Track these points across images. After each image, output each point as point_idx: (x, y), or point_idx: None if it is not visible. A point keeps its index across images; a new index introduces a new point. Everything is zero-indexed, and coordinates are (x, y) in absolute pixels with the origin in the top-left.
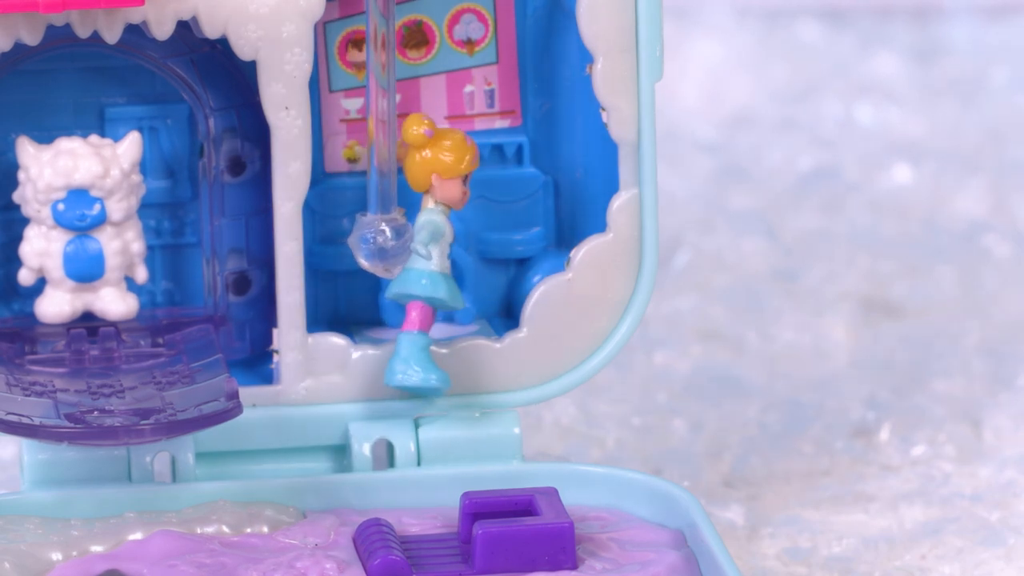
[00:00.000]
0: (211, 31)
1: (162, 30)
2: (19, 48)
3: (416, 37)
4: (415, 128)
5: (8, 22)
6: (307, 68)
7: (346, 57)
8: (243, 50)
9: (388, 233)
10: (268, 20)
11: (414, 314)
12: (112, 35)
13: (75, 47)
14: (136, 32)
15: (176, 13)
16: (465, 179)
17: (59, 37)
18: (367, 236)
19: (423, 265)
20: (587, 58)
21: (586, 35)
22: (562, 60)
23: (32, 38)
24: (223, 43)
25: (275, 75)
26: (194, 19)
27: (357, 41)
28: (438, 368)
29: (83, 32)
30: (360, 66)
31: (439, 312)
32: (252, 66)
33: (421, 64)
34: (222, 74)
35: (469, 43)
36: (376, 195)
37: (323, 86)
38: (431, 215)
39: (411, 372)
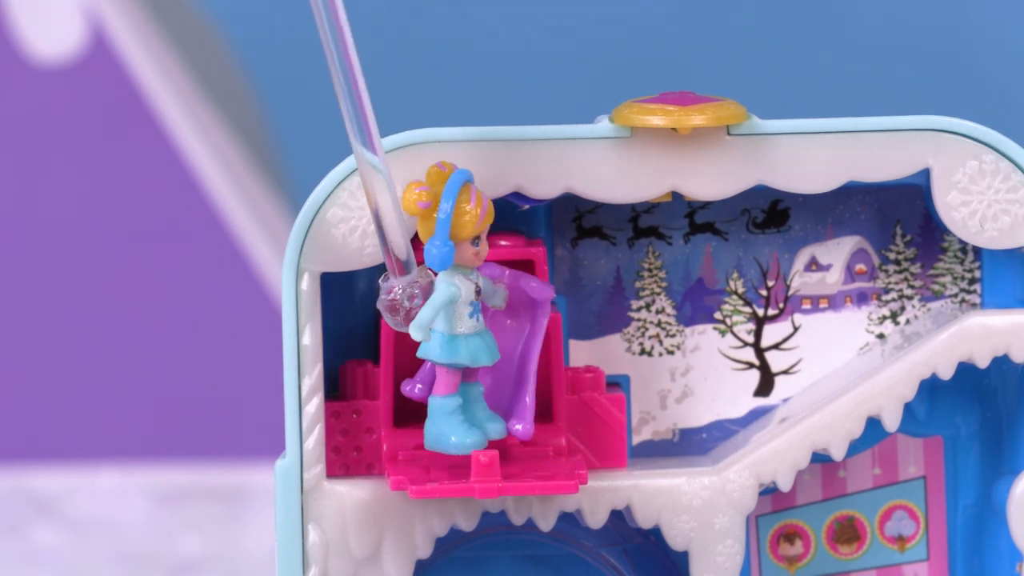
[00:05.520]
0: (644, 521)
1: (596, 519)
2: (454, 534)
3: (848, 532)
4: (412, 195)
5: (446, 508)
6: (739, 559)
7: (777, 551)
8: (675, 540)
9: (400, 293)
10: (701, 512)
11: (440, 377)
12: (546, 523)
13: (509, 534)
14: (570, 521)
15: (610, 503)
16: (475, 239)
17: (493, 524)
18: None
19: (441, 327)
20: (1017, 556)
21: (1016, 535)
22: (992, 557)
23: (468, 524)
24: (655, 533)
25: (707, 566)
26: (627, 509)
27: (789, 535)
28: (470, 428)
29: (517, 520)
30: (791, 559)
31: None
32: (684, 556)
33: (852, 559)
34: (654, 565)
35: (900, 539)
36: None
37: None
38: (442, 281)
39: (441, 438)
